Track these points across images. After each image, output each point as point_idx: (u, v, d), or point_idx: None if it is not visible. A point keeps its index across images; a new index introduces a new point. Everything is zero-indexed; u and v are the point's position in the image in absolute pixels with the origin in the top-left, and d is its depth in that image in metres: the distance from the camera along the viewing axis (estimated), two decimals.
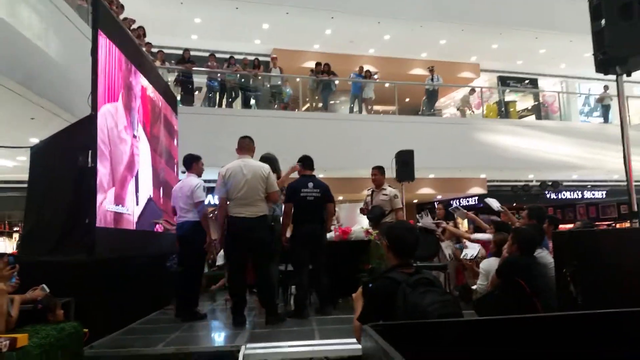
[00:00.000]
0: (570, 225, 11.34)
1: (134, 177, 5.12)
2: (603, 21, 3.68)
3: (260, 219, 4.57)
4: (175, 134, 7.30)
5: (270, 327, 4.47)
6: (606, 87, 14.59)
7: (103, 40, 4.41)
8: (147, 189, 5.74)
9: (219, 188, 4.61)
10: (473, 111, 14.31)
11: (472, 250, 5.76)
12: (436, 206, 6.78)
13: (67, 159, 4.42)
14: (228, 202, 4.60)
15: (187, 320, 4.85)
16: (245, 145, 4.83)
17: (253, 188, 4.54)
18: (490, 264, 4.46)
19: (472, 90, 14.68)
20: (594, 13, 3.80)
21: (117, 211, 4.56)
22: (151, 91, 6.05)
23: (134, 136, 5.23)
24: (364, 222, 6.52)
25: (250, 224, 4.50)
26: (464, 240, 6.09)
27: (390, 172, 8.31)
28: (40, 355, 2.62)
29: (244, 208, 4.52)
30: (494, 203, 6.57)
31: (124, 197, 4.83)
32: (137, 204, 5.23)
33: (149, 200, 5.68)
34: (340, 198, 13.56)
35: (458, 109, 14.70)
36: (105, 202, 4.25)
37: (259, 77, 12.31)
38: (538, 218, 4.66)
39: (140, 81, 5.61)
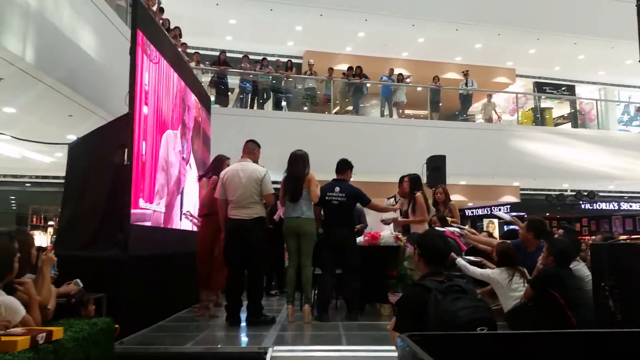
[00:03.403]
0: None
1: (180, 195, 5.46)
2: None
3: (255, 220, 4.65)
4: (209, 141, 7.48)
5: (293, 330, 4.49)
6: None
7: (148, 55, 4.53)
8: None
9: (219, 190, 4.78)
10: (499, 117, 13.95)
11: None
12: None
13: (104, 156, 4.52)
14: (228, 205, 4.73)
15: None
16: (248, 149, 4.98)
17: (248, 191, 4.65)
18: (494, 273, 4.30)
19: (490, 96, 14.06)
20: None
21: (151, 209, 4.64)
22: (194, 108, 6.25)
23: (185, 161, 5.64)
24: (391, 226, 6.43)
25: (245, 225, 4.62)
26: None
27: (422, 178, 8.22)
28: (74, 349, 2.66)
29: (240, 210, 4.66)
30: (503, 215, 6.61)
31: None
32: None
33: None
34: None
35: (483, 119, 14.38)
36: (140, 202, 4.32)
37: (290, 79, 12.36)
38: (537, 230, 4.50)
39: (193, 111, 5.97)
